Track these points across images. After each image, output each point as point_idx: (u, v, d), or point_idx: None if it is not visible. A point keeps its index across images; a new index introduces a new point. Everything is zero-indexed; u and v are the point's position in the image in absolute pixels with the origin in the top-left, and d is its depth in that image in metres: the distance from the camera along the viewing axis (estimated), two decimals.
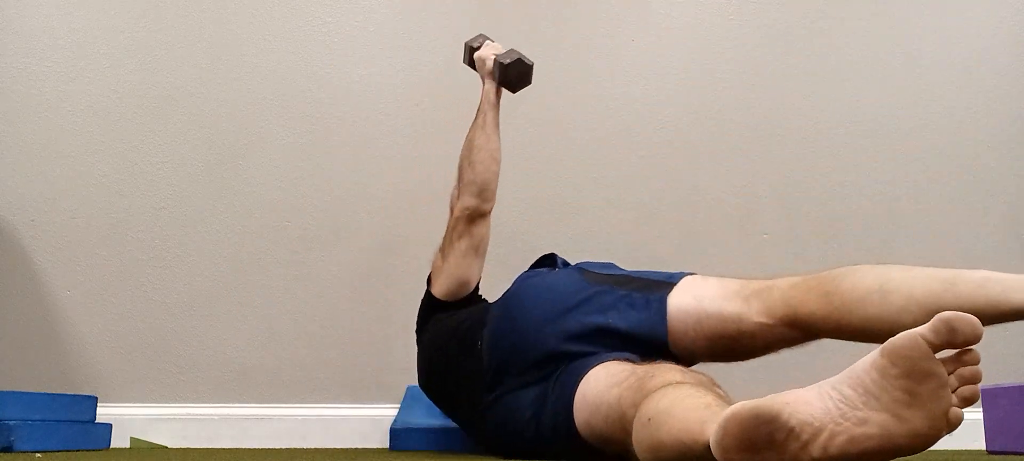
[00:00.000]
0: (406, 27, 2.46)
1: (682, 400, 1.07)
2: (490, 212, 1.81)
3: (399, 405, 2.14)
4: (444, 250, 1.80)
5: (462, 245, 1.77)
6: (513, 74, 1.90)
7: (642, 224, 2.42)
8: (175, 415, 2.22)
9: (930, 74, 2.57)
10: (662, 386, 1.17)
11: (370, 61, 2.44)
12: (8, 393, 1.72)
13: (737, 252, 2.44)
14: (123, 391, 2.24)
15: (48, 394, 1.81)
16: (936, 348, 0.84)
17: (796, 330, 1.38)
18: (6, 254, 2.28)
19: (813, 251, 2.45)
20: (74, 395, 1.87)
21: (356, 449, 2.09)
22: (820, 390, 0.88)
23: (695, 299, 1.44)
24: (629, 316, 1.45)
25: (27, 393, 1.77)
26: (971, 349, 0.86)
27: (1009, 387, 1.77)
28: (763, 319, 1.39)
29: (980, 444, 1.92)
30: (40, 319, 2.26)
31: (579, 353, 1.44)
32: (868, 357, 0.87)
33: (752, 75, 2.53)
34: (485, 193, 1.80)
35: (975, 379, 0.86)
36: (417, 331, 1.83)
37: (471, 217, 1.78)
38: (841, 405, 0.86)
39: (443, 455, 1.76)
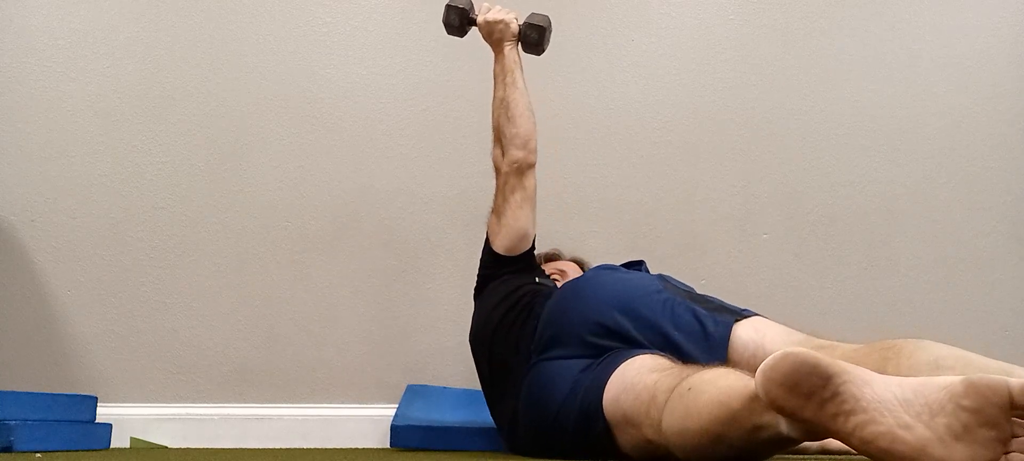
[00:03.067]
0: (406, 27, 2.46)
1: (728, 375, 1.10)
2: (535, 164, 1.86)
3: (399, 404, 2.14)
4: (498, 210, 1.85)
5: (517, 198, 1.83)
6: (536, 36, 1.96)
7: (642, 224, 2.42)
8: (175, 415, 2.22)
9: (930, 74, 2.57)
10: (707, 370, 1.19)
11: (370, 61, 2.44)
12: (8, 393, 1.72)
13: (737, 252, 2.44)
14: (123, 391, 2.24)
15: (48, 394, 1.82)
16: (1015, 407, 0.83)
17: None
18: (6, 254, 2.28)
19: (813, 251, 2.45)
20: (74, 395, 1.87)
21: (356, 449, 2.09)
22: (886, 381, 0.89)
23: (758, 333, 1.47)
24: (693, 328, 1.50)
25: (27, 393, 1.77)
26: None
27: None
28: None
29: None
30: (40, 319, 2.26)
31: (636, 341, 1.48)
32: (946, 378, 0.87)
33: (752, 75, 2.53)
34: (529, 144, 1.86)
35: None
36: (476, 291, 1.88)
37: (520, 169, 1.83)
38: (896, 403, 0.86)
39: (443, 454, 1.76)
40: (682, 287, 1.65)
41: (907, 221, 2.49)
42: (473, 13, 1.98)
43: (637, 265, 1.84)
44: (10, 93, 2.34)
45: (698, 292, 1.65)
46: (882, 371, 1.30)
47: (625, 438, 1.35)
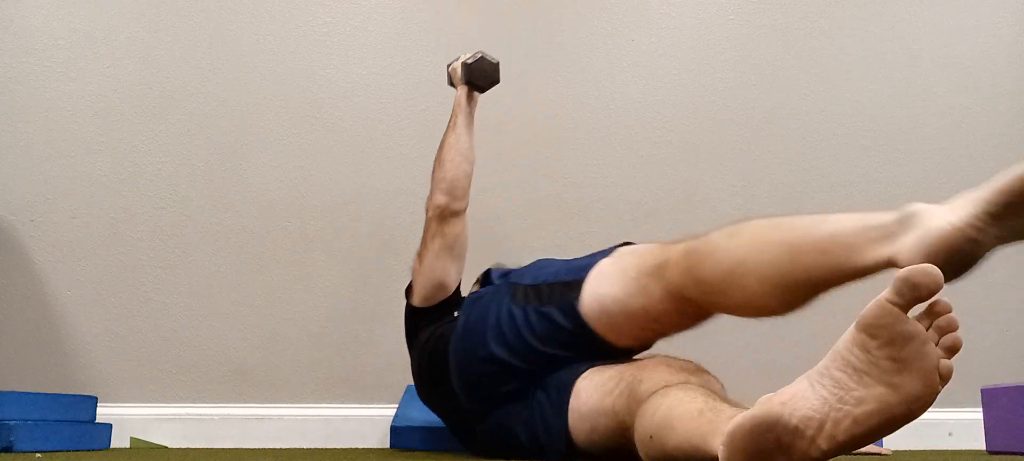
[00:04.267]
0: (406, 27, 2.46)
1: (676, 409, 1.06)
2: (463, 212, 1.80)
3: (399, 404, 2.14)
4: (420, 254, 1.79)
5: (435, 245, 1.76)
6: (477, 72, 1.93)
7: (642, 224, 2.42)
8: (175, 415, 2.22)
9: (930, 74, 2.57)
10: (651, 394, 1.16)
11: (370, 61, 2.44)
12: (8, 393, 1.72)
13: None
14: (123, 391, 2.24)
15: (48, 394, 1.81)
16: (906, 308, 0.84)
17: (691, 305, 1.33)
18: (6, 254, 2.28)
19: None
20: (74, 395, 1.87)
21: (356, 449, 2.09)
22: (810, 381, 0.88)
23: (598, 302, 1.39)
24: (549, 330, 1.42)
25: (27, 393, 1.77)
26: (939, 300, 0.86)
27: (1009, 387, 1.77)
28: (665, 305, 1.33)
29: (980, 444, 1.92)
30: (40, 319, 2.26)
31: (518, 368, 1.43)
32: (846, 336, 0.87)
33: (752, 75, 2.53)
34: (455, 190, 1.79)
35: (952, 327, 0.86)
36: (408, 344, 1.81)
37: (442, 215, 1.77)
38: (835, 390, 0.86)
39: (443, 454, 1.76)
40: (530, 283, 1.51)
41: None
42: (450, 62, 2.03)
43: (486, 277, 1.68)
44: (10, 93, 2.34)
45: (545, 273, 1.52)
46: (701, 293, 1.27)
47: (616, 454, 1.34)
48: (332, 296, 2.33)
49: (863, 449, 1.83)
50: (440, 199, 1.79)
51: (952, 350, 0.86)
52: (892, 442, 2.23)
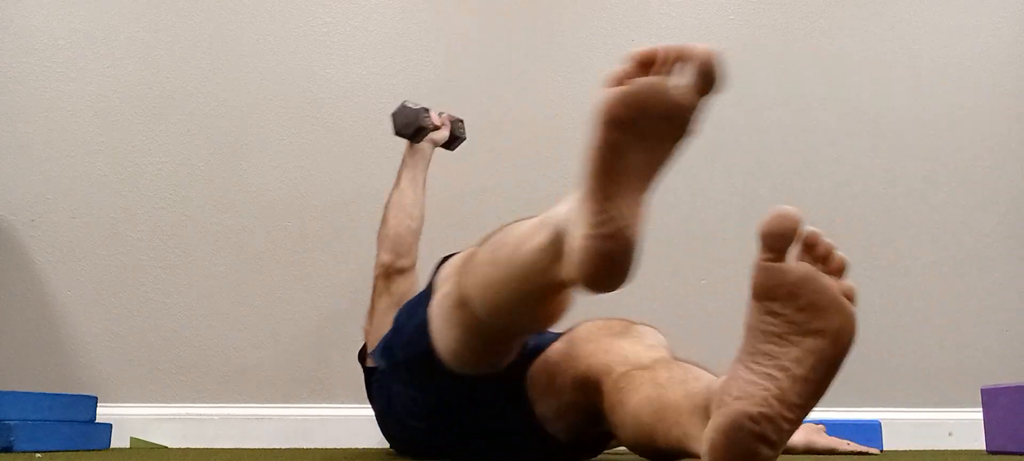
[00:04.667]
0: (406, 27, 2.46)
1: (640, 414, 1.05)
2: (409, 269, 1.77)
3: None
4: (369, 314, 1.77)
5: (383, 304, 1.74)
6: (397, 121, 1.91)
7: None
8: (175, 415, 2.22)
9: (930, 73, 2.57)
10: (608, 386, 1.13)
11: (370, 61, 2.44)
12: (8, 393, 1.72)
13: (737, 252, 2.43)
14: (123, 391, 2.24)
15: (48, 394, 1.81)
16: (782, 257, 0.84)
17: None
18: (6, 254, 2.28)
19: None
20: (74, 395, 1.86)
21: (356, 449, 2.09)
22: (744, 364, 0.88)
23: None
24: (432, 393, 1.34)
25: (27, 393, 1.76)
26: (809, 231, 0.85)
27: (1009, 387, 1.77)
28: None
29: (980, 444, 1.92)
30: (40, 319, 2.26)
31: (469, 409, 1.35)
32: (750, 310, 0.88)
33: (752, 74, 2.53)
34: (399, 248, 1.77)
35: (829, 252, 0.86)
36: (369, 401, 1.76)
37: (387, 273, 1.76)
38: (770, 362, 0.86)
39: (443, 454, 1.76)
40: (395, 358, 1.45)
41: (907, 221, 2.49)
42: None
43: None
44: (10, 93, 2.34)
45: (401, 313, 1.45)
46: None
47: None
48: (332, 296, 2.33)
49: (851, 448, 1.84)
50: (384, 257, 1.77)
51: (841, 270, 0.87)
52: (892, 442, 2.23)
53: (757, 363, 0.87)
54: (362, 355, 1.80)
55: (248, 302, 2.30)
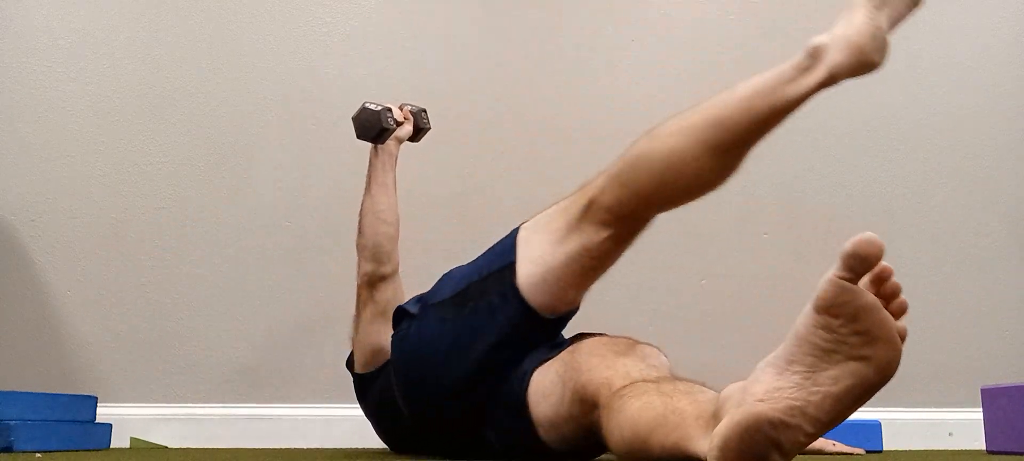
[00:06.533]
0: (406, 27, 2.46)
1: (639, 422, 1.05)
2: (392, 275, 1.75)
3: None
4: (355, 322, 1.75)
5: (367, 313, 1.72)
6: (357, 125, 1.83)
7: None
8: (175, 415, 2.22)
9: (930, 74, 2.57)
10: (605, 399, 1.15)
11: (370, 61, 2.44)
12: (8, 393, 1.72)
13: (737, 252, 2.44)
14: (123, 391, 2.24)
15: (48, 394, 1.81)
16: (857, 280, 0.86)
17: (630, 223, 1.41)
18: (6, 254, 2.28)
19: (813, 251, 2.45)
20: (74, 395, 1.87)
21: (356, 449, 2.09)
22: (777, 369, 0.88)
23: (537, 266, 1.35)
24: (496, 330, 1.35)
25: (27, 393, 1.76)
26: (883, 265, 0.88)
27: (1009, 387, 1.77)
28: (602, 235, 1.39)
29: (980, 444, 1.92)
30: (40, 319, 2.26)
31: (490, 385, 1.37)
32: (804, 319, 0.87)
33: (752, 75, 2.53)
34: (379, 255, 1.74)
35: (897, 290, 0.91)
36: (361, 407, 1.78)
37: (371, 282, 1.73)
38: (807, 373, 0.87)
39: (443, 454, 1.76)
40: (449, 295, 1.45)
41: (907, 221, 2.49)
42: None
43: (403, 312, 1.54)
44: (10, 93, 2.34)
45: (458, 281, 1.46)
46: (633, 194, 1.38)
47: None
48: (331, 296, 2.32)
49: (838, 449, 1.84)
50: (366, 267, 1.74)
51: (901, 311, 0.91)
52: (892, 442, 2.23)
53: (793, 371, 0.87)
54: (350, 363, 1.81)
55: (248, 302, 2.30)
